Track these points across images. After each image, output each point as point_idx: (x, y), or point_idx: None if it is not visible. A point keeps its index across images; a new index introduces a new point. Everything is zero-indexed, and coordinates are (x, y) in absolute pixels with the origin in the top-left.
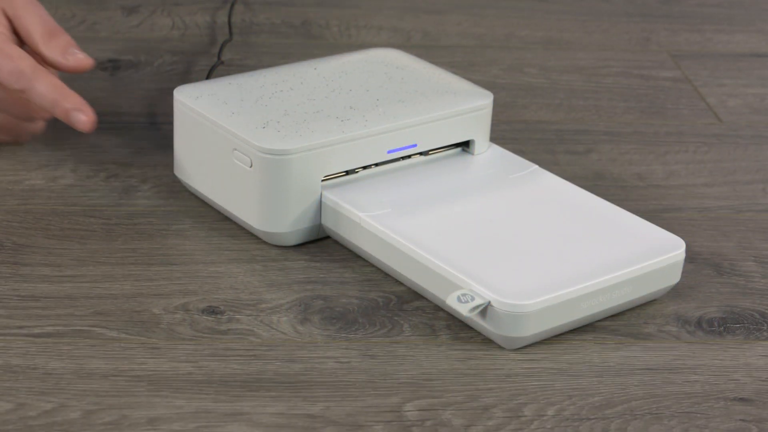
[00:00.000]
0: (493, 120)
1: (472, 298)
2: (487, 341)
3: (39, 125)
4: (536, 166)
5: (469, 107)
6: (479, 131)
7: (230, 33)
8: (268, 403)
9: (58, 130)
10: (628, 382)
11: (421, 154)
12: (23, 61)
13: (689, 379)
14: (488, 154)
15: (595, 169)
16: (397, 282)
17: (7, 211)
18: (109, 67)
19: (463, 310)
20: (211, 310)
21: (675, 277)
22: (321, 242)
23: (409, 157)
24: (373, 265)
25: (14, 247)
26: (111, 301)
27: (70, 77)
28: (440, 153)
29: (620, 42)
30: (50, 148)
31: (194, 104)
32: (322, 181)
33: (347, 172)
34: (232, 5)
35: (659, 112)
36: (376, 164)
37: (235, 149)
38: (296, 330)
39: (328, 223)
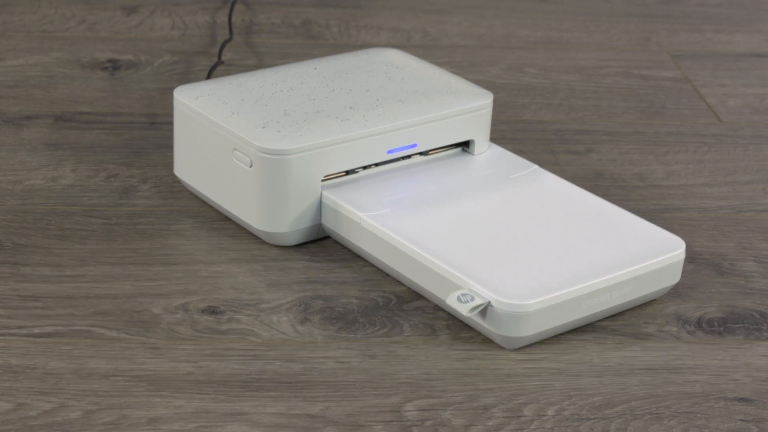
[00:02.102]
0: (493, 120)
1: (472, 298)
2: (487, 341)
3: None
4: (536, 166)
5: (469, 107)
6: (479, 131)
7: (230, 33)
8: (268, 403)
9: (58, 131)
10: (628, 382)
11: (421, 154)
12: None
13: (689, 379)
14: (488, 154)
15: (595, 169)
16: (397, 282)
17: (7, 211)
18: (109, 67)
19: (463, 310)
20: (211, 310)
21: (675, 277)
22: (321, 242)
23: (409, 157)
24: (373, 265)
25: (14, 247)
26: (111, 301)
27: (70, 77)
28: (440, 153)
29: (620, 42)
30: (50, 149)
31: (194, 104)
32: (322, 181)
33: (347, 172)
34: (233, 5)
35: (659, 112)
36: (376, 164)
37: (236, 149)
38: (296, 330)
39: (328, 223)
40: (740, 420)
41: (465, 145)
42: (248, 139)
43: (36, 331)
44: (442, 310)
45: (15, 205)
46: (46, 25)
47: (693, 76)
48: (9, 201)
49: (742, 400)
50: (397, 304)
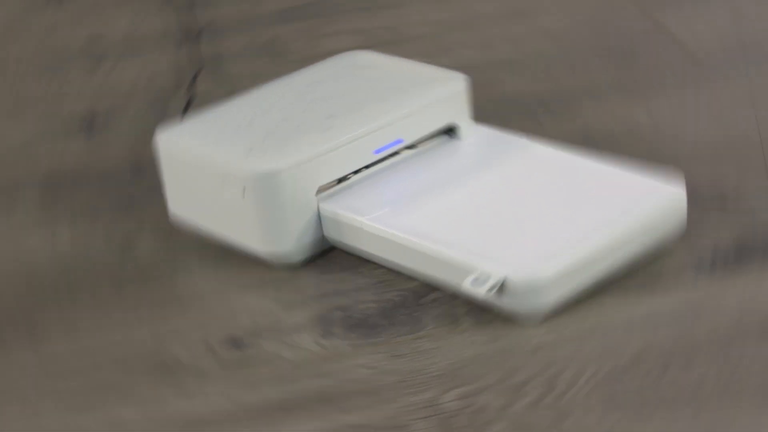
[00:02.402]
0: (473, 100)
1: (487, 279)
2: (508, 320)
3: None
4: (525, 138)
5: (446, 93)
6: (461, 114)
7: (198, 66)
8: (308, 422)
9: (48, 194)
10: (656, 334)
11: (408, 148)
12: None
13: (716, 319)
14: (475, 135)
15: (582, 130)
16: (410, 278)
17: (10, 279)
18: (86, 122)
19: (480, 292)
20: (233, 341)
21: (681, 222)
22: (328, 254)
23: (397, 153)
24: (383, 266)
25: (25, 315)
26: (131, 349)
27: (49, 139)
28: (427, 143)
29: None
30: (44, 210)
31: (177, 144)
32: (317, 194)
33: (339, 180)
34: (196, 39)
35: (635, 62)
36: (367, 167)
37: (225, 179)
38: (320, 345)
39: (331, 233)
40: None
41: (450, 131)
42: (236, 168)
43: (61, 388)
44: (460, 297)
45: (16, 269)
46: (16, 90)
47: (663, 19)
48: (11, 270)
49: None
50: (414, 300)
